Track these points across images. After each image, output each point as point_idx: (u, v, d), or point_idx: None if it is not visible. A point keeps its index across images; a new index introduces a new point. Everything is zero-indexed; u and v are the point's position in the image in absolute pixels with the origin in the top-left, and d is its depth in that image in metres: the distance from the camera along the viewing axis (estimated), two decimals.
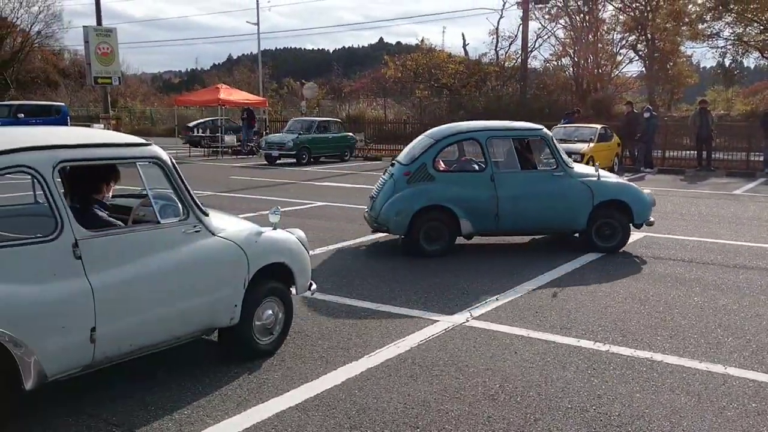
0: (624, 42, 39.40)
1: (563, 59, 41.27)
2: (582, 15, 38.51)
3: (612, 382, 4.25)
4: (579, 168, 8.37)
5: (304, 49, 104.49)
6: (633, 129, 19.75)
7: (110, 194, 4.49)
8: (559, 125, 19.85)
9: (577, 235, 8.36)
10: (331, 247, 8.37)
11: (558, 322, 5.46)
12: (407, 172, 7.96)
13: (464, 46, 42.33)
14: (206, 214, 4.33)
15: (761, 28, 31.93)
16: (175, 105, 31.72)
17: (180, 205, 4.19)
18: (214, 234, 4.33)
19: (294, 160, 21.97)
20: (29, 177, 3.56)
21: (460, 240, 8.05)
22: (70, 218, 3.57)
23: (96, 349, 3.61)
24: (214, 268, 4.27)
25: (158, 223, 4.04)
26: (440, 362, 4.58)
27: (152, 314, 3.90)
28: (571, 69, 40.37)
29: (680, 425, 3.67)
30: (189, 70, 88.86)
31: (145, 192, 4.13)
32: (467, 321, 5.50)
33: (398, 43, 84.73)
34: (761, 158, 18.63)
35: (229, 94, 27.81)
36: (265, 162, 22.43)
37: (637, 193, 8.20)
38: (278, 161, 22.27)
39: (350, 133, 25.13)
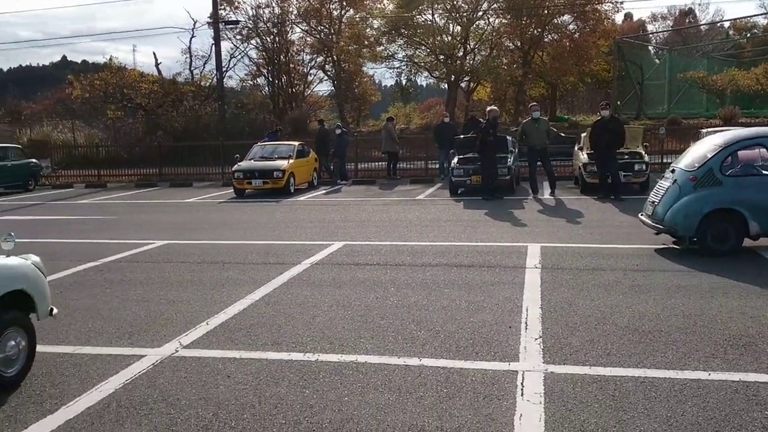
0: (313, 63, 41.63)
1: (259, 79, 42.19)
2: (272, 36, 39.75)
3: (323, 390, 4.42)
4: None
5: None
6: (326, 145, 20.95)
7: None
8: (260, 143, 20.23)
9: None
10: None
11: (269, 339, 5.53)
12: (693, 177, 8.31)
13: (157, 65, 40.79)
14: None
15: (428, 50, 36.19)
16: None
17: None
18: None
19: None
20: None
21: (154, 262, 7.69)
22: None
23: None
24: None
25: None
26: (149, 400, 4.33)
27: None
28: (267, 88, 41.45)
29: (385, 421, 3.94)
30: None
31: None
32: (176, 351, 5.29)
33: (84, 61, 78.60)
34: (437, 166, 21.02)
35: None
36: None
37: None
38: None
39: (34, 160, 22.73)
